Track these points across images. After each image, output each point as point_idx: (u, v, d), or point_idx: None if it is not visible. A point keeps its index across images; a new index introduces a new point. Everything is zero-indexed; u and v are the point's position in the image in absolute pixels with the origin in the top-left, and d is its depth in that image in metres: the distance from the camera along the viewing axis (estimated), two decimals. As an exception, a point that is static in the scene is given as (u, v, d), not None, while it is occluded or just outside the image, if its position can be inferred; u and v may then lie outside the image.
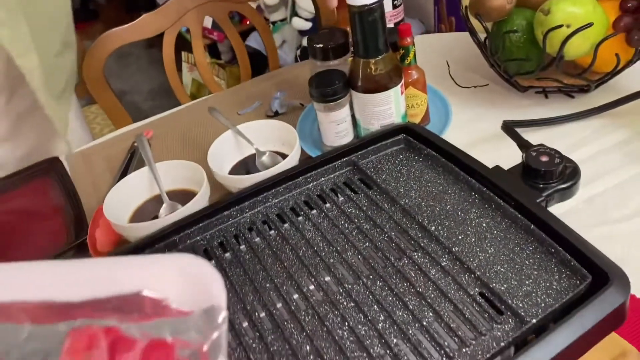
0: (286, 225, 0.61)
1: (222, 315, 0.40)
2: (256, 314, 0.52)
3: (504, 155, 0.64)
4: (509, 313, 0.47)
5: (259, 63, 1.64)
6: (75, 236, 0.76)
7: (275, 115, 0.95)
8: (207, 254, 0.59)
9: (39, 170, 0.89)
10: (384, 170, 0.64)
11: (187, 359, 0.37)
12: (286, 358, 0.47)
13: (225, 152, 0.81)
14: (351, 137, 0.79)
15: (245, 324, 0.51)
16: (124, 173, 0.87)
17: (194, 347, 0.37)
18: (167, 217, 0.66)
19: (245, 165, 0.82)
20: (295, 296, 0.53)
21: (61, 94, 0.97)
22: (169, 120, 1.00)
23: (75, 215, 0.79)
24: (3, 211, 0.84)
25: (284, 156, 0.79)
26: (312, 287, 0.53)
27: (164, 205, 0.75)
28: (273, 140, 0.82)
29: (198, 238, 0.61)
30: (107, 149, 0.95)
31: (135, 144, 0.93)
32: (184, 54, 2.34)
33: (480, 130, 0.82)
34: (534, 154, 0.60)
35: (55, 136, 0.99)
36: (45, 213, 0.82)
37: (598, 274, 0.47)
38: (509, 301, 0.47)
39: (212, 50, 2.49)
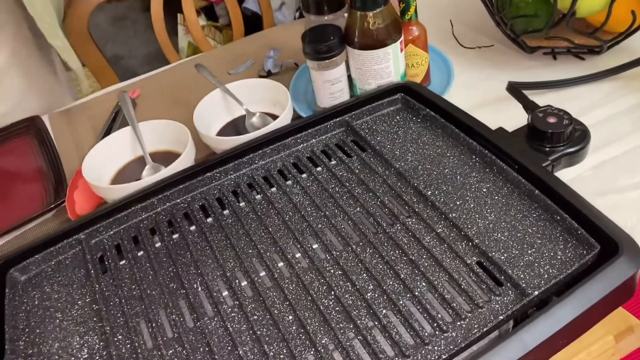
0: (273, 189, 0.57)
1: None
2: (236, 281, 0.48)
3: (508, 117, 0.59)
4: (508, 284, 0.43)
5: (257, 27, 1.58)
6: (54, 198, 0.72)
7: (268, 75, 0.90)
8: (188, 218, 0.55)
9: (19, 128, 0.85)
10: (379, 131, 0.60)
11: None
12: (266, 328, 0.44)
13: (213, 113, 0.77)
14: (347, 99, 0.74)
15: (224, 292, 0.48)
16: (107, 133, 0.82)
17: None
18: (147, 178, 0.62)
19: (235, 127, 0.78)
20: (280, 264, 0.49)
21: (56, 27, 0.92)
22: (156, 80, 0.95)
23: (55, 177, 0.75)
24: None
25: (275, 118, 0.75)
26: (297, 254, 0.49)
27: (146, 167, 0.70)
28: (264, 101, 0.77)
29: (178, 201, 0.57)
30: (91, 108, 0.91)
31: (120, 104, 0.88)
32: (179, 16, 2.26)
33: (483, 93, 0.77)
34: (540, 114, 0.55)
35: (35, 93, 0.95)
36: (25, 173, 0.78)
37: (607, 243, 0.43)
38: (509, 271, 0.44)
39: (209, 12, 2.41)
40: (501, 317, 0.41)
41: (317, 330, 0.43)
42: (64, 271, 0.52)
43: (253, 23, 1.44)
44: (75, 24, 0.97)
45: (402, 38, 0.68)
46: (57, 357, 0.45)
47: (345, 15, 0.73)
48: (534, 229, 0.47)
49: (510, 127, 0.57)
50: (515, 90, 0.65)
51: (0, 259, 0.53)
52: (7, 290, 0.50)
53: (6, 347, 0.45)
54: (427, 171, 0.54)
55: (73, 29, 0.97)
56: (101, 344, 0.45)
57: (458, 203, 0.50)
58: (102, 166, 0.72)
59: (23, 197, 0.76)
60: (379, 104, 0.62)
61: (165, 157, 0.72)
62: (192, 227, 0.54)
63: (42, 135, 0.82)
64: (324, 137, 0.61)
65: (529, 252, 0.45)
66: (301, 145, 0.60)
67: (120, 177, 0.72)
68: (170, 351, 0.44)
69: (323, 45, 0.68)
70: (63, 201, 0.70)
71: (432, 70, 0.78)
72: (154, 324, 0.46)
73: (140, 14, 3.03)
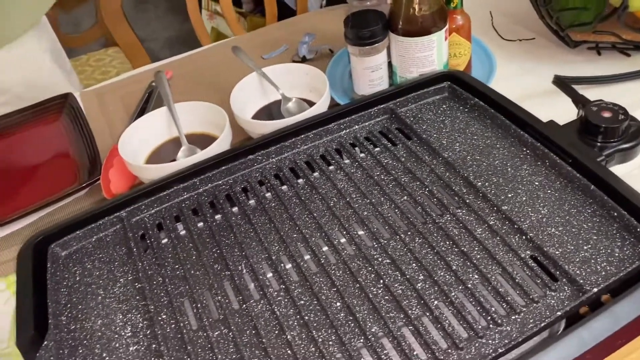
0: (316, 173, 0.56)
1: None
2: (282, 265, 0.47)
3: (554, 112, 0.58)
4: (564, 280, 0.42)
5: (283, 16, 1.57)
6: (88, 176, 0.71)
7: (303, 60, 0.89)
8: (230, 199, 0.55)
9: (52, 105, 0.84)
10: (425, 120, 0.59)
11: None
12: (314, 314, 0.43)
13: (248, 96, 0.76)
14: (385, 87, 0.73)
15: (269, 275, 0.47)
16: (140, 113, 0.82)
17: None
18: (187, 159, 0.62)
19: (269, 112, 0.77)
20: (325, 249, 0.48)
21: None
22: (188, 62, 0.95)
23: (89, 154, 0.74)
24: (14, 145, 0.80)
25: (311, 104, 0.74)
26: (343, 240, 0.49)
27: (182, 148, 0.70)
28: (300, 86, 0.76)
29: (220, 182, 0.56)
30: (123, 87, 0.90)
31: (154, 84, 0.88)
32: (204, 1, 2.25)
33: (526, 86, 0.75)
34: (594, 108, 0.54)
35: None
36: (58, 150, 0.78)
37: (668, 242, 0.42)
38: (566, 267, 0.43)
39: (233, -2, 2.40)
40: (558, 313, 0.40)
41: (367, 318, 0.42)
42: (105, 248, 0.52)
43: (280, 13, 1.43)
44: (110, 3, 0.96)
45: (447, 26, 0.67)
46: (100, 333, 0.45)
47: (389, 1, 0.72)
48: (589, 224, 0.46)
49: (557, 121, 0.56)
50: (564, 83, 0.63)
51: (41, 233, 0.52)
52: (48, 265, 0.50)
53: (50, 321, 0.45)
54: (477, 162, 0.53)
55: (107, 8, 0.96)
56: (145, 322, 0.45)
57: (510, 196, 0.49)
58: (138, 145, 0.71)
59: (56, 174, 0.75)
60: (425, 92, 0.61)
61: (200, 139, 0.71)
62: (235, 209, 0.54)
63: (75, 112, 0.82)
64: (367, 123, 0.60)
65: (585, 248, 0.44)
66: (344, 132, 0.59)
67: (155, 157, 0.72)
68: (216, 333, 0.43)
69: (366, 30, 0.67)
70: (97, 179, 0.70)
71: (473, 61, 0.77)
72: (198, 305, 0.45)
73: (161, -3, 3.02)
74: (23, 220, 0.68)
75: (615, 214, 0.46)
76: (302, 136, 0.58)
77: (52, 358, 0.42)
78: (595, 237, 0.45)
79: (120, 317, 0.46)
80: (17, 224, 0.68)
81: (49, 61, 0.97)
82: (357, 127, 0.60)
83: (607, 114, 0.53)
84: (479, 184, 0.50)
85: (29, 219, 0.68)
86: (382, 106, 0.60)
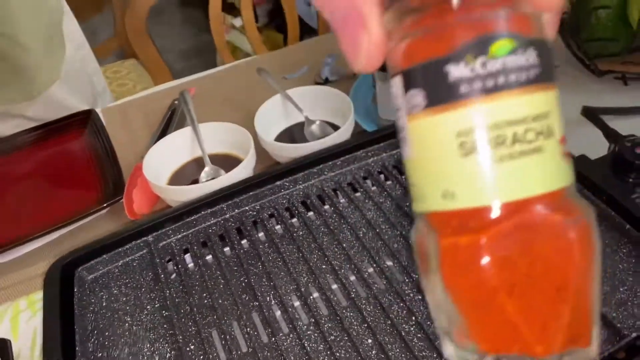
0: (343, 201, 0.56)
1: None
2: (311, 297, 0.47)
3: (582, 144, 0.57)
4: (601, 323, 0.41)
5: (303, 33, 1.57)
6: (111, 194, 0.71)
7: (325, 82, 0.89)
8: (257, 226, 0.54)
9: (75, 121, 0.84)
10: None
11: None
12: (345, 350, 0.43)
13: (271, 118, 0.76)
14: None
15: (299, 308, 0.46)
16: (163, 131, 0.82)
17: None
18: (213, 181, 0.61)
19: (291, 134, 0.77)
20: (355, 282, 0.48)
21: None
22: (210, 80, 0.95)
23: (112, 173, 0.74)
24: (36, 161, 0.80)
25: (334, 127, 0.74)
26: (372, 271, 0.48)
27: (205, 169, 0.70)
28: (324, 109, 0.76)
29: (247, 208, 0.56)
30: (146, 104, 0.90)
31: (176, 102, 0.88)
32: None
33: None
34: (628, 144, 0.53)
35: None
36: (80, 167, 0.78)
37: None
38: (602, 309, 0.42)
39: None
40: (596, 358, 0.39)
41: (399, 357, 0.41)
42: (132, 273, 0.52)
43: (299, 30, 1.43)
44: (134, 17, 0.97)
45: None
46: (127, 362, 0.44)
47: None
48: (624, 265, 0.45)
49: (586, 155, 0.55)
50: (593, 115, 0.63)
51: (67, 257, 0.52)
52: (75, 290, 0.50)
53: (77, 348, 0.45)
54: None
55: (131, 22, 0.97)
56: (172, 352, 0.44)
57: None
58: (161, 165, 0.71)
59: (79, 192, 0.75)
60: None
61: (223, 160, 0.71)
62: (262, 236, 0.53)
63: (97, 129, 0.82)
64: (395, 151, 0.60)
65: (621, 289, 0.43)
66: (372, 159, 0.59)
67: (178, 177, 0.72)
68: (246, 366, 0.43)
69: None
70: (120, 198, 0.70)
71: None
72: (227, 336, 0.45)
73: (176, 8, 3.05)
74: (44, 238, 0.68)
75: (652, 255, 0.45)
76: (330, 163, 0.58)
77: (79, 387, 0.42)
78: (631, 279, 0.44)
79: (148, 346, 0.45)
80: (38, 242, 0.68)
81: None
82: (385, 154, 0.59)
83: (640, 151, 0.52)
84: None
85: (50, 237, 0.68)
86: (410, 135, 0.60)
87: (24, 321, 0.59)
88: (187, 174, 0.72)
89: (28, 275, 0.65)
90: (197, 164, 0.73)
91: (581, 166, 0.52)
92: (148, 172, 0.66)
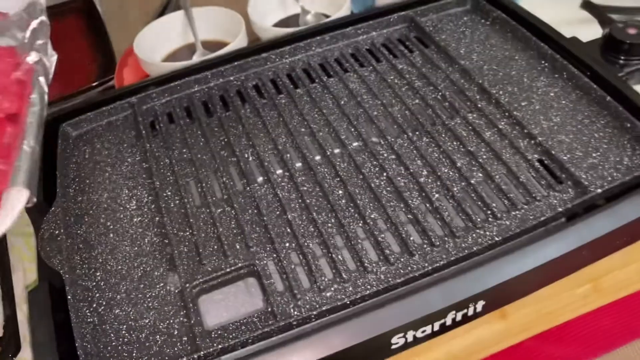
0: (329, 77, 0.55)
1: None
2: (288, 155, 0.47)
3: (579, 36, 0.56)
4: (569, 182, 0.42)
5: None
6: (103, 74, 0.72)
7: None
8: (240, 95, 0.55)
9: (70, 7, 0.83)
10: (445, 30, 0.57)
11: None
12: (316, 199, 0.44)
13: (267, 8, 0.74)
14: None
15: (275, 164, 0.47)
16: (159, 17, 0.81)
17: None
18: (202, 58, 0.61)
19: (287, 25, 0.76)
20: (331, 142, 0.48)
21: None
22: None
23: (104, 54, 0.74)
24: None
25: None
26: (351, 136, 0.49)
27: (196, 54, 0.69)
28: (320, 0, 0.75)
29: (232, 78, 0.56)
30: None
31: (173, -9, 0.86)
32: None
33: (553, 14, 0.73)
34: (621, 25, 0.52)
35: None
36: (73, 49, 0.78)
37: (680, 151, 0.41)
38: (572, 169, 0.42)
39: None
40: (559, 209, 0.40)
41: (367, 206, 0.42)
42: (115, 131, 0.53)
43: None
44: None
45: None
46: (105, 205, 0.46)
47: None
48: (600, 134, 0.45)
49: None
50: (591, 5, 0.61)
51: (53, 113, 0.53)
52: (59, 142, 0.51)
53: (57, 190, 0.46)
54: (493, 72, 0.52)
55: None
56: (150, 197, 0.46)
57: (523, 104, 0.48)
58: (153, 48, 0.71)
59: (71, 72, 0.75)
60: (447, 2, 0.59)
61: (216, 47, 0.70)
62: (245, 104, 0.54)
63: (92, 14, 0.81)
64: (385, 31, 0.59)
65: (594, 155, 0.43)
66: (361, 37, 0.58)
67: (170, 61, 0.72)
68: (219, 210, 0.44)
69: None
70: (111, 78, 0.70)
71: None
72: (203, 184, 0.46)
73: None
74: (37, 112, 0.68)
75: (629, 125, 0.45)
76: (318, 38, 0.57)
77: (58, 222, 0.43)
78: (605, 146, 0.44)
79: (126, 192, 0.47)
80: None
81: None
82: (374, 33, 0.59)
83: (633, 31, 0.51)
84: (493, 91, 0.50)
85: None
86: (402, 14, 0.59)
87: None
88: (178, 59, 0.72)
89: (20, 146, 0.66)
90: (189, 49, 0.72)
91: (571, 46, 0.51)
92: (140, 51, 0.66)
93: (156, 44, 0.71)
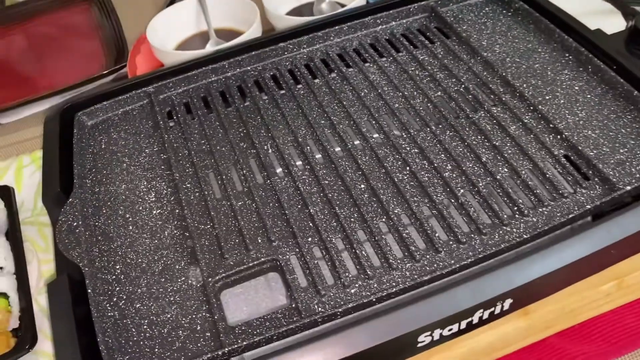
0: (348, 67, 0.54)
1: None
2: (308, 147, 0.47)
3: (601, 26, 0.55)
4: (597, 179, 0.41)
5: None
6: (115, 62, 0.71)
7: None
8: (258, 85, 0.54)
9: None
10: (466, 20, 0.56)
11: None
12: (338, 193, 0.43)
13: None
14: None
15: (295, 156, 0.46)
16: (170, 5, 0.80)
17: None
18: (216, 47, 0.60)
19: (300, 14, 0.75)
20: (352, 135, 0.47)
21: None
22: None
23: (116, 42, 0.73)
24: (43, 29, 0.80)
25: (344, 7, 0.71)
26: (372, 129, 0.48)
27: (209, 42, 0.68)
28: (336, -13, 0.74)
29: (249, 68, 0.55)
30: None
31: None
32: None
33: (573, 6, 0.72)
34: (647, 17, 0.51)
35: None
36: (85, 37, 0.77)
37: None
38: (599, 166, 0.41)
39: None
40: (587, 206, 0.39)
41: (390, 201, 0.42)
42: (132, 121, 0.52)
43: None
44: None
45: None
46: (124, 197, 0.45)
47: None
48: (628, 130, 0.44)
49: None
50: (614, -4, 0.60)
51: (68, 102, 0.52)
52: (75, 131, 0.50)
53: (75, 181, 0.45)
54: (516, 64, 0.51)
55: None
56: (169, 189, 0.45)
57: (547, 97, 0.47)
58: (166, 36, 0.70)
59: (83, 60, 0.75)
60: (468, -8, 0.58)
61: (229, 35, 0.70)
62: (263, 95, 0.53)
63: (104, 1, 0.80)
64: (405, 20, 0.58)
65: (622, 151, 0.43)
66: (380, 27, 0.57)
67: (182, 49, 0.71)
68: (240, 203, 0.43)
69: None
70: (124, 65, 0.69)
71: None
72: (223, 177, 0.45)
73: None
74: (47, 101, 0.68)
75: (657, 120, 0.44)
76: (336, 28, 0.56)
77: (76, 214, 0.43)
78: (632, 142, 0.43)
79: (145, 183, 0.46)
80: (42, 104, 0.68)
81: None
82: (394, 23, 0.57)
83: (659, 24, 0.50)
84: (517, 84, 0.49)
85: (53, 100, 0.68)
86: (422, 3, 0.58)
87: (27, 176, 0.59)
88: (191, 47, 0.71)
89: (31, 135, 0.65)
90: (202, 37, 0.71)
91: (596, 38, 0.50)
92: (152, 38, 0.65)
93: (169, 32, 0.70)
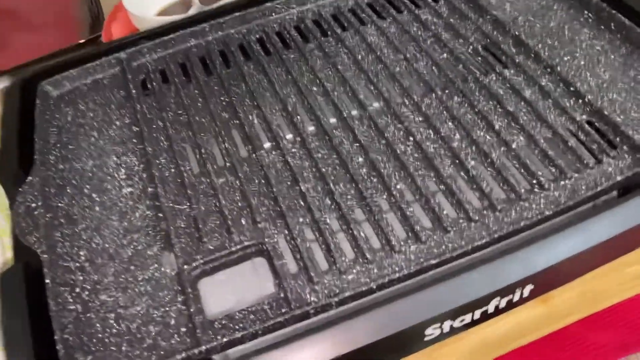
0: (343, 29, 0.49)
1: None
2: (298, 117, 0.41)
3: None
4: (625, 147, 0.36)
5: None
6: (89, 31, 0.65)
7: None
8: (243, 50, 0.48)
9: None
10: (472, -24, 0.51)
11: None
12: (333, 167, 0.38)
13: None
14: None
15: (284, 127, 0.41)
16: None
17: None
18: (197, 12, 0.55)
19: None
20: (348, 103, 0.42)
21: None
22: None
23: (91, 9, 0.67)
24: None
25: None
26: (371, 95, 0.43)
27: (192, 8, 0.63)
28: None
29: (232, 31, 0.50)
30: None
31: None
32: None
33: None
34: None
35: None
36: (57, 3, 0.71)
37: None
38: (629, 132, 0.36)
39: None
40: (618, 178, 0.34)
41: (392, 175, 0.37)
42: (102, 90, 0.46)
43: None
44: None
45: None
46: (91, 174, 0.40)
47: None
48: (656, 87, 0.39)
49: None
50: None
51: (31, 71, 0.47)
52: (37, 102, 0.45)
53: (35, 157, 0.40)
54: (530, 23, 0.46)
55: None
56: (141, 165, 0.40)
57: (566, 59, 0.42)
58: (144, 3, 0.64)
59: (56, 29, 0.69)
60: (475, -55, 0.52)
61: (213, 3, 0.64)
62: (249, 61, 0.47)
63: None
64: (405, -22, 0.52)
65: (653, 112, 0.38)
66: (378, -15, 0.52)
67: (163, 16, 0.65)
68: (221, 180, 0.38)
69: None
70: (99, 35, 0.64)
71: None
72: (202, 150, 0.40)
73: None
74: (20, 72, 0.62)
75: (692, 81, 0.39)
76: (330, -14, 0.51)
77: (36, 194, 0.38)
78: (669, 106, 0.38)
79: (114, 159, 0.41)
80: (5, 81, 0.62)
81: None
82: (392, -19, 0.52)
83: (690, -24, 0.45)
84: (531, 44, 0.43)
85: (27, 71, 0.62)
86: (423, -42, 0.52)
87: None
88: (172, 14, 0.65)
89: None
90: (184, 5, 0.66)
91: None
92: (130, 5, 0.59)
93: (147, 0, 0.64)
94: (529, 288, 0.32)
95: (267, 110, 0.42)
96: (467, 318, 0.31)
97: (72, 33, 0.66)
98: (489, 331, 0.36)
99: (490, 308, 0.32)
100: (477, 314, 0.32)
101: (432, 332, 0.31)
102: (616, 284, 0.39)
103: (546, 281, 0.33)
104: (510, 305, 0.33)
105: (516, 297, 0.32)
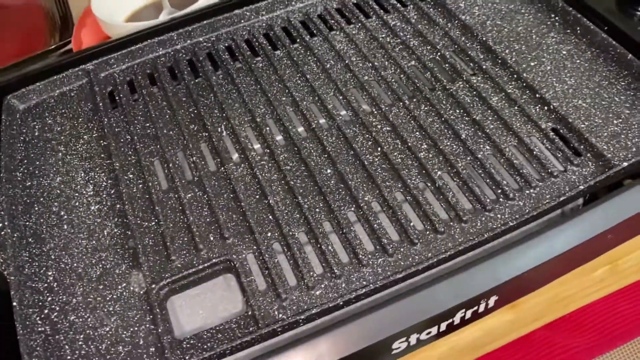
0: (312, 36, 0.49)
1: None
2: (267, 129, 0.41)
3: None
4: (589, 155, 0.37)
5: None
6: (59, 38, 0.64)
7: None
8: (212, 58, 0.48)
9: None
10: (441, -20, 0.51)
11: None
12: (301, 179, 0.38)
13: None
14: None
15: (253, 139, 0.41)
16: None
17: None
18: (167, 17, 0.54)
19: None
20: (317, 113, 0.42)
21: None
22: None
23: (61, 15, 0.66)
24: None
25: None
26: (339, 105, 0.43)
27: (163, 12, 0.62)
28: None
29: (200, 39, 0.49)
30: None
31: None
32: None
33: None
34: (640, -29, 0.46)
35: None
36: (25, 9, 0.70)
37: None
38: (592, 140, 0.37)
39: None
40: (581, 187, 0.35)
41: (360, 187, 0.37)
42: (69, 103, 0.46)
43: None
44: None
45: None
46: (58, 191, 0.40)
47: None
48: (621, 97, 0.40)
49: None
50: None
51: (-4, 83, 0.46)
52: (3, 117, 0.44)
53: (1, 175, 0.40)
54: (497, 27, 0.46)
55: None
56: (109, 181, 0.40)
57: (533, 64, 0.43)
58: (114, 7, 0.63)
59: (23, 36, 0.68)
60: (443, -51, 0.52)
61: (186, 4, 0.63)
62: (217, 70, 0.47)
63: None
64: (374, -18, 0.52)
65: (615, 122, 0.38)
66: (347, -10, 0.52)
67: (134, 21, 0.64)
68: (189, 195, 0.38)
69: None
70: (68, 41, 0.63)
71: None
72: (170, 165, 0.40)
73: None
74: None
75: (654, 86, 0.39)
76: (299, -8, 0.51)
77: (2, 213, 0.37)
78: (627, 112, 0.39)
79: (82, 175, 0.41)
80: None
81: None
82: (362, -14, 0.52)
83: (653, -21, 0.45)
84: (499, 49, 0.44)
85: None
86: (392, -37, 0.52)
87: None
88: (142, 19, 0.64)
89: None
90: (155, 8, 0.65)
91: (585, -3, 0.45)
92: (98, 11, 0.59)
93: (118, 2, 0.63)
94: (493, 299, 0.32)
95: (235, 121, 0.42)
96: (434, 330, 0.32)
97: (39, 40, 0.65)
98: (459, 338, 0.37)
99: (456, 320, 0.32)
100: (443, 326, 0.32)
101: (399, 345, 0.31)
102: (582, 287, 0.40)
103: (511, 291, 0.33)
104: (476, 316, 0.33)
105: (481, 308, 0.33)
